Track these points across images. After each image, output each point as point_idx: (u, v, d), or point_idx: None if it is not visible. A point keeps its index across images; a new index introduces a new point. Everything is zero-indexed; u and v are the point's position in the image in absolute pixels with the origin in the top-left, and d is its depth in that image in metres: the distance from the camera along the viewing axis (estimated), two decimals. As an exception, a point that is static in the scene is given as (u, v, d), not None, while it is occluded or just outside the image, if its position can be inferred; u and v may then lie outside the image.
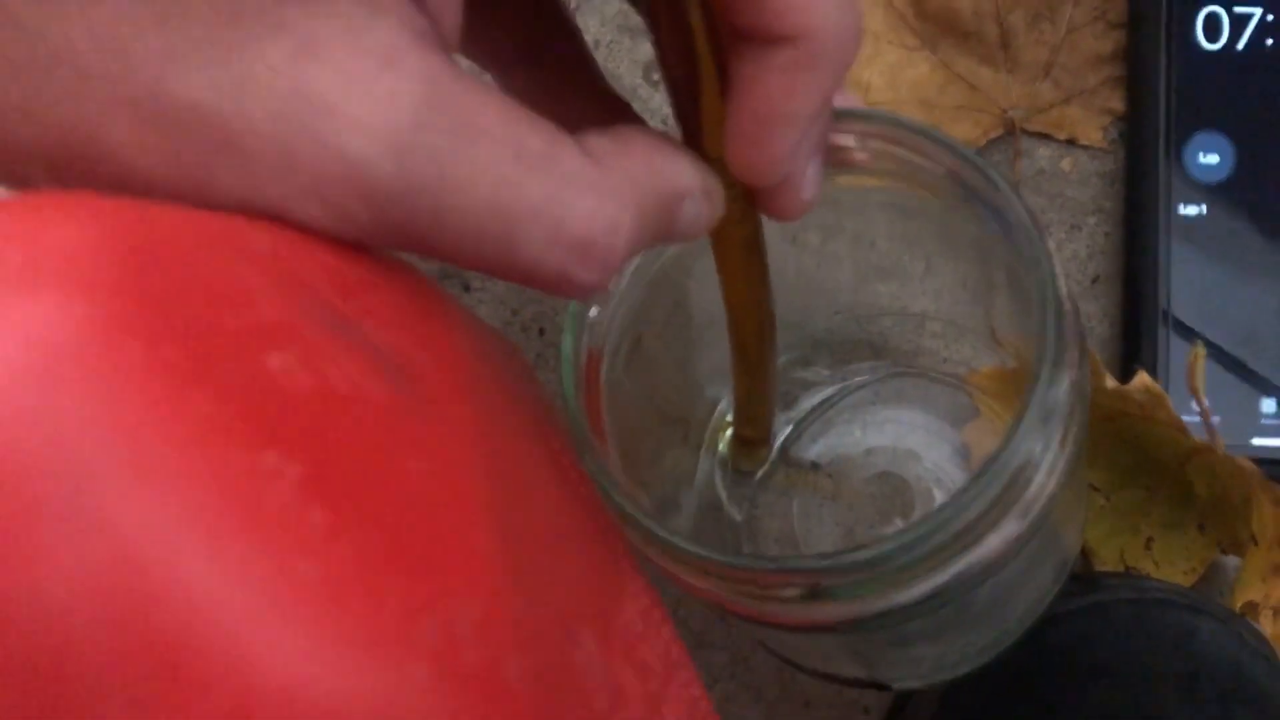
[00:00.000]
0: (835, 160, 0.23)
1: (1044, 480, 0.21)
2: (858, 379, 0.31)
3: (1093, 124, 0.33)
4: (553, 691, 0.12)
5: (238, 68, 0.14)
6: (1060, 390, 0.20)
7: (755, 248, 0.22)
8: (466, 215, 0.15)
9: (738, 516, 0.31)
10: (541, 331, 0.34)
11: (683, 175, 0.18)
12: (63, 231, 0.11)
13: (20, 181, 0.15)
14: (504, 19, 0.21)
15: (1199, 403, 0.27)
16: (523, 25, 0.21)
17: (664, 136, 0.18)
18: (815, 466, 0.31)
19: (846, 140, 0.23)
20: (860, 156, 0.23)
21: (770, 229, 0.22)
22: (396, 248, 0.16)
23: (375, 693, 0.10)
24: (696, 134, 0.19)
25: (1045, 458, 0.21)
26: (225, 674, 0.09)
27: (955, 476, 0.30)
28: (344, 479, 0.11)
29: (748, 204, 0.20)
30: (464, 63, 0.23)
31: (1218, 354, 0.31)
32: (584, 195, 0.16)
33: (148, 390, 0.10)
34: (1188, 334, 0.31)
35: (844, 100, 0.24)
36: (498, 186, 0.15)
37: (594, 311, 0.23)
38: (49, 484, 0.09)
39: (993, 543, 0.21)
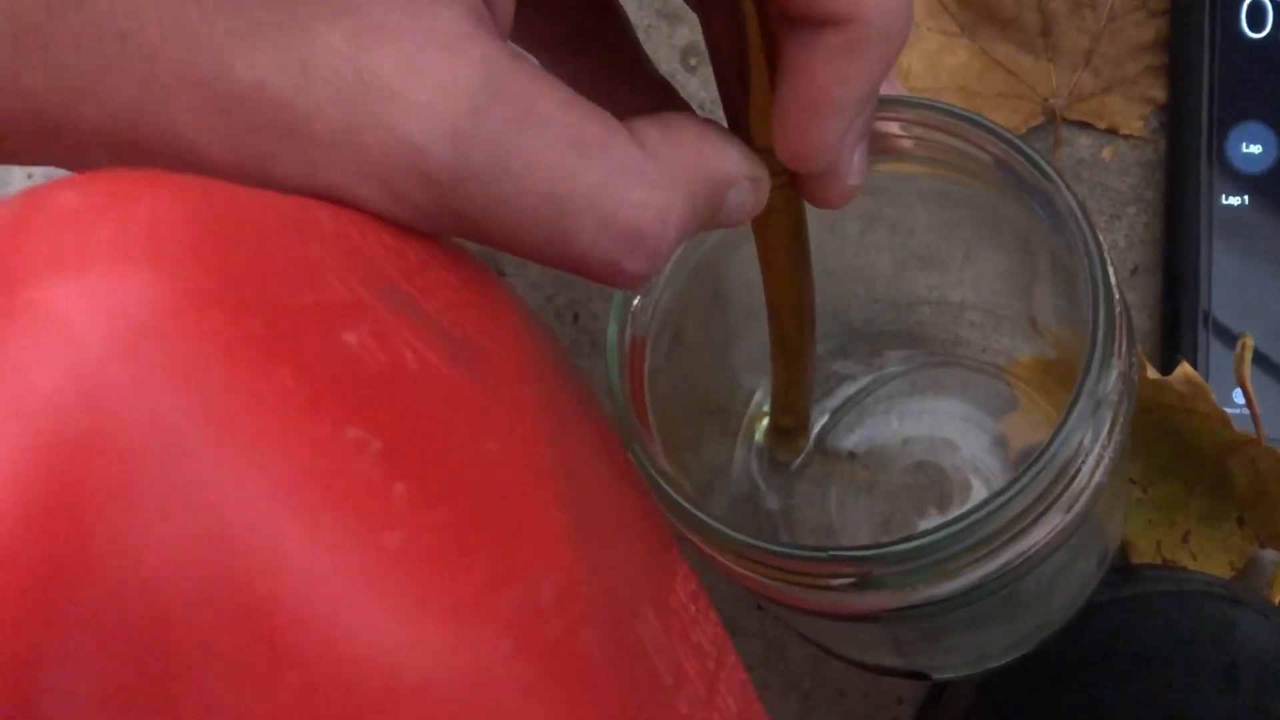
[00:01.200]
0: (880, 148, 0.23)
1: (1091, 471, 0.21)
2: (895, 368, 0.31)
3: (1134, 113, 0.33)
4: (627, 665, 0.12)
5: (301, 50, 0.14)
6: (1110, 380, 0.20)
7: (799, 236, 0.22)
8: (521, 203, 0.15)
9: (774, 506, 0.31)
10: (576, 317, 0.34)
11: (731, 163, 0.18)
12: (146, 208, 0.11)
13: (83, 164, 0.15)
14: (553, 5, 0.21)
15: (1245, 393, 0.27)
16: (571, 11, 0.21)
17: (711, 124, 0.18)
18: (852, 456, 0.31)
19: (891, 127, 0.23)
20: (905, 144, 0.23)
21: (809, 217, 0.22)
22: (452, 233, 0.16)
23: (461, 661, 0.10)
24: (744, 121, 0.19)
25: (1093, 449, 0.21)
26: (318, 643, 0.09)
27: (993, 467, 0.30)
28: (422, 454, 0.11)
29: (792, 191, 0.20)
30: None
31: (1257, 346, 0.31)
32: (636, 185, 0.16)
33: (236, 364, 0.10)
34: (1228, 326, 0.31)
35: (889, 87, 0.24)
36: (553, 175, 0.15)
37: (637, 300, 0.23)
38: (145, 459, 0.09)
39: (1040, 533, 0.21)
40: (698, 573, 0.20)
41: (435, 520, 0.10)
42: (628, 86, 0.22)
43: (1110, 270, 0.21)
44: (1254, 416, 0.28)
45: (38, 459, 0.09)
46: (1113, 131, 0.33)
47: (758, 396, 0.30)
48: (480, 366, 0.14)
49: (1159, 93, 0.33)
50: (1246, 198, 0.31)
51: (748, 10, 0.17)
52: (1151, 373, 0.28)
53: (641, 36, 0.34)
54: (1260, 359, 0.31)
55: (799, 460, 0.31)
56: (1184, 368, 0.27)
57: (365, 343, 0.12)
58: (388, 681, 0.09)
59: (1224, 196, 0.31)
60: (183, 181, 0.12)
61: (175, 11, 0.14)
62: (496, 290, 0.17)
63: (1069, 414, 0.20)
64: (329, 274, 0.12)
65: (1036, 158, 0.21)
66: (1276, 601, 0.29)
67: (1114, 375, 0.20)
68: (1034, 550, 0.21)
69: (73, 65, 0.14)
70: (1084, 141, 0.33)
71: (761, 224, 0.21)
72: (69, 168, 0.15)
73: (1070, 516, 0.21)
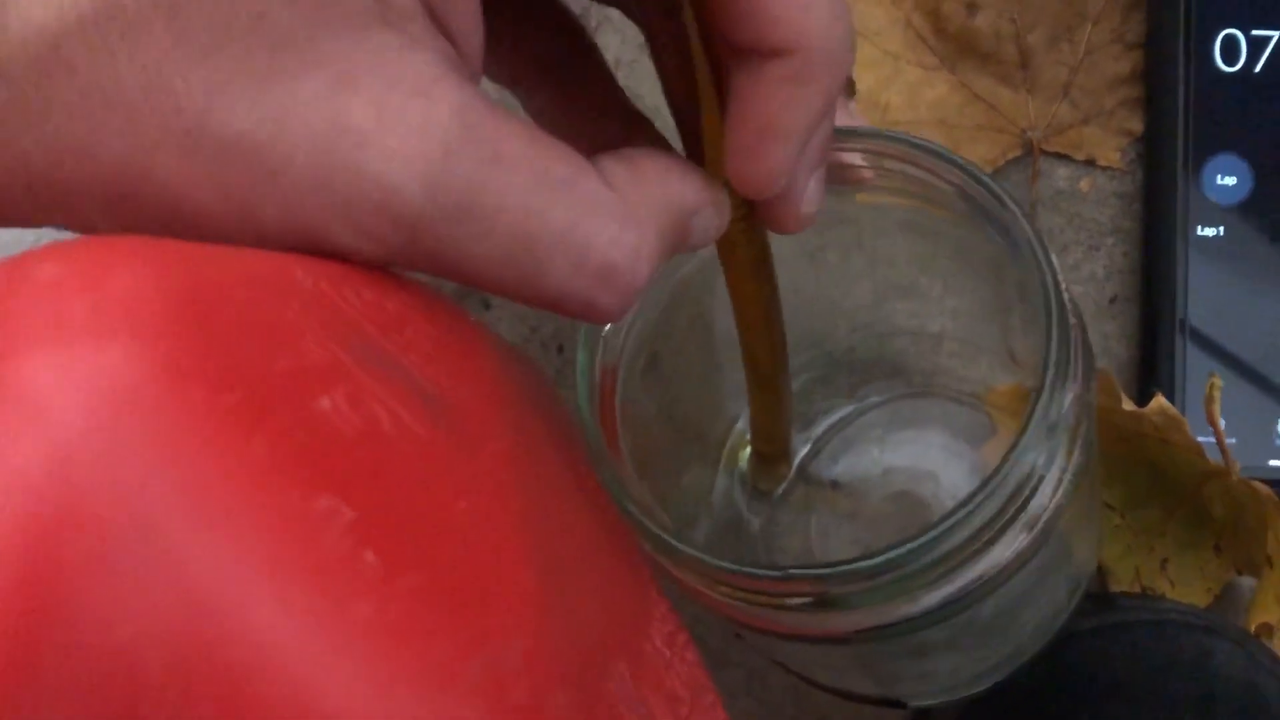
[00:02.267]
0: (848, 178, 0.24)
1: (1050, 492, 0.21)
2: (875, 398, 0.31)
3: (1111, 145, 0.33)
4: (594, 726, 0.12)
5: (278, 100, 0.15)
6: (1065, 402, 0.21)
7: (763, 269, 0.22)
8: (493, 242, 0.16)
9: (756, 534, 0.31)
10: (560, 349, 0.34)
11: (694, 192, 0.19)
12: (121, 280, 0.11)
13: (80, 221, 0.15)
14: (523, 41, 0.22)
15: (1215, 431, 0.27)
16: (542, 46, 0.22)
17: (673, 155, 0.19)
18: (834, 485, 0.31)
19: (854, 158, 0.23)
20: (870, 174, 0.24)
21: (790, 248, 0.23)
22: (427, 271, 0.16)
23: (430, 731, 0.10)
24: (699, 153, 0.19)
25: (1051, 469, 0.21)
26: (289, 712, 0.09)
27: (972, 496, 0.30)
28: (393, 520, 0.11)
29: (752, 225, 0.21)
30: (492, 90, 0.23)
31: (1235, 376, 0.31)
32: (607, 223, 0.16)
33: (211, 437, 0.10)
34: (1205, 356, 0.31)
35: (852, 120, 0.24)
36: (524, 215, 0.16)
37: (608, 327, 0.23)
38: (118, 531, 0.09)
39: (999, 554, 0.21)
40: (677, 606, 0.21)
41: (405, 587, 0.11)
42: (601, 118, 0.22)
43: (1064, 291, 0.21)
44: (1223, 451, 0.28)
45: (14, 534, 0.09)
46: (1090, 163, 0.33)
47: (740, 424, 0.31)
48: (457, 422, 0.14)
49: (1136, 124, 0.33)
50: (1222, 229, 0.32)
51: (694, 44, 0.18)
52: (1127, 404, 0.28)
53: (625, 71, 0.34)
54: (1238, 385, 0.31)
55: (781, 489, 0.31)
56: (1158, 399, 0.28)
57: (339, 407, 0.12)
58: (356, 751, 0.10)
59: (1200, 227, 0.32)
60: (160, 248, 0.12)
61: (155, 69, 0.14)
62: (471, 336, 0.17)
63: (1021, 435, 0.20)
64: (305, 337, 0.12)
65: (988, 181, 0.22)
66: (1252, 630, 0.29)
67: (1069, 397, 0.21)
68: (995, 571, 0.21)
69: (60, 127, 0.14)
70: (1062, 173, 0.33)
71: (727, 258, 0.21)
72: (68, 228, 0.16)
73: (1032, 536, 0.21)
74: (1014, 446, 0.20)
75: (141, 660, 0.09)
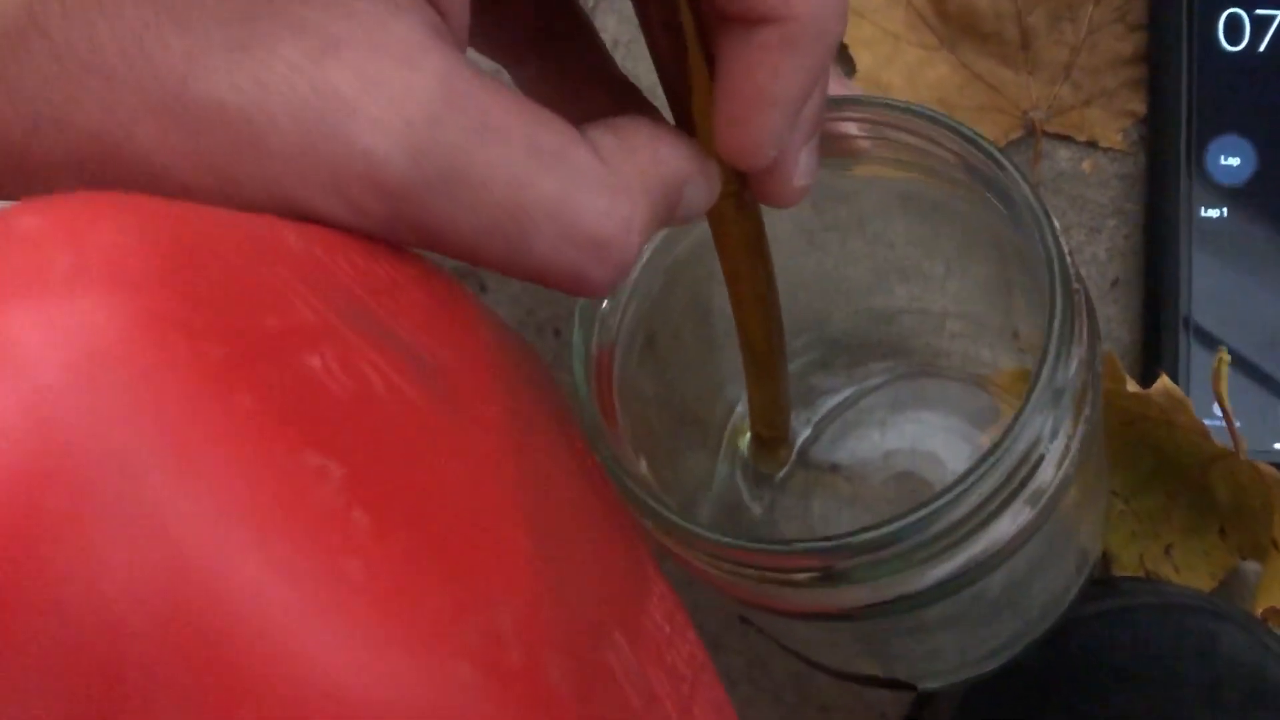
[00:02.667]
0: (845, 149, 0.23)
1: (1057, 463, 0.21)
2: (876, 380, 0.31)
3: (1113, 126, 0.33)
4: (591, 691, 0.12)
5: (258, 68, 0.14)
6: (1071, 368, 0.20)
7: (757, 247, 0.22)
8: (480, 213, 0.15)
9: (757, 518, 0.30)
10: (557, 332, 0.34)
11: (684, 161, 0.18)
12: (104, 232, 0.11)
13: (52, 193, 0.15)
14: (512, 10, 0.21)
15: (1223, 408, 0.27)
16: (531, 16, 0.22)
17: (662, 123, 0.19)
18: (835, 468, 0.31)
19: (848, 128, 0.23)
20: (867, 144, 0.23)
21: (787, 226, 0.22)
22: (412, 244, 0.16)
23: (421, 693, 0.10)
24: (690, 125, 0.19)
25: (1057, 439, 0.20)
26: (275, 673, 0.09)
27: (975, 479, 0.30)
28: (385, 480, 0.11)
29: (746, 202, 0.20)
30: (482, 61, 0.23)
31: (1238, 358, 0.31)
32: (597, 194, 0.16)
33: (194, 390, 0.10)
34: (1208, 338, 0.31)
35: (841, 88, 0.24)
36: (511, 185, 0.15)
37: (605, 304, 0.23)
38: (99, 484, 0.09)
39: (1003, 527, 0.21)
40: (678, 592, 0.20)
41: (396, 548, 0.10)
42: (591, 87, 0.22)
43: (1068, 257, 0.21)
44: (1231, 431, 0.28)
45: (-10, 488, 0.09)
46: (1092, 144, 0.33)
47: (740, 409, 0.30)
48: (447, 388, 0.14)
49: (1138, 105, 0.33)
50: (1226, 210, 0.31)
51: (685, 14, 0.17)
52: (1131, 386, 0.28)
53: (622, 51, 0.34)
54: (1242, 368, 0.31)
55: (782, 472, 0.31)
56: (1163, 381, 0.27)
57: (329, 366, 0.11)
58: (344, 711, 0.09)
59: (1203, 209, 0.31)
60: (147, 204, 0.12)
61: (134, 37, 0.14)
62: (466, 307, 0.17)
63: (1027, 400, 0.20)
64: (294, 296, 0.12)
65: (986, 145, 0.21)
66: (1258, 614, 0.29)
67: (1074, 363, 0.20)
68: (999, 546, 0.21)
69: (36, 95, 0.14)
70: (1064, 154, 0.33)
71: (720, 236, 0.21)
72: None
73: (1037, 509, 0.21)
74: (1020, 412, 0.19)
75: (123, 619, 0.09)
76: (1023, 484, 0.20)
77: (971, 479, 0.19)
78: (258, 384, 0.10)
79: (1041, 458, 0.20)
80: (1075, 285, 0.20)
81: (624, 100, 0.21)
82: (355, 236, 0.15)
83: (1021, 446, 0.20)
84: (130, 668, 0.09)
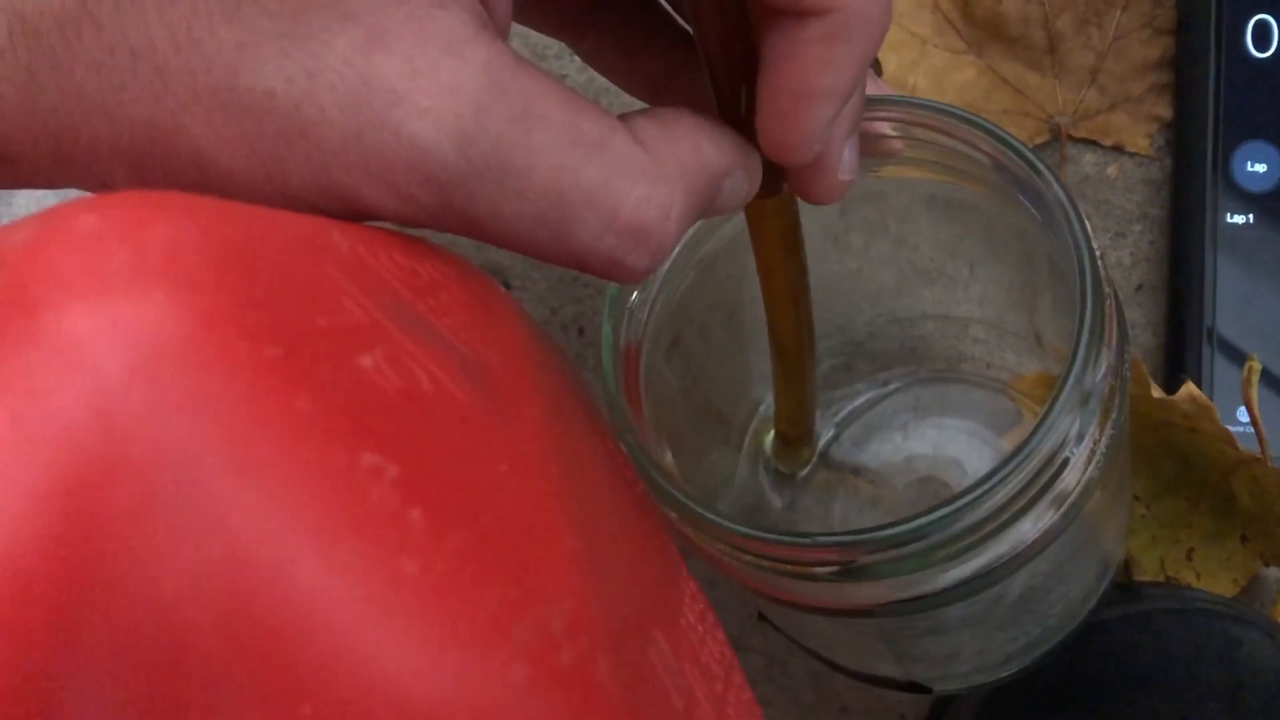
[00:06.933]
0: (877, 149, 0.23)
1: (1083, 465, 0.21)
2: (899, 384, 0.31)
3: (1139, 131, 0.33)
4: (640, 690, 0.12)
5: (308, 58, 0.14)
6: (1099, 371, 0.20)
7: (793, 242, 0.22)
8: (524, 201, 0.15)
9: (778, 518, 0.31)
10: (581, 331, 0.34)
11: (726, 154, 0.18)
12: (165, 231, 0.11)
13: (100, 183, 0.15)
14: None
15: (1251, 414, 0.27)
16: None
17: (706, 115, 0.19)
18: (856, 471, 0.31)
19: (882, 127, 0.23)
20: (899, 144, 0.23)
21: (813, 228, 0.22)
22: (457, 232, 0.16)
23: (480, 693, 0.10)
24: (735, 118, 0.19)
25: (1084, 441, 0.20)
26: (335, 671, 0.09)
27: (997, 483, 0.30)
28: (437, 479, 0.11)
29: (785, 196, 0.20)
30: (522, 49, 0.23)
31: (1262, 362, 0.31)
32: (637, 182, 0.16)
33: (253, 389, 0.10)
34: (1232, 344, 0.31)
35: (875, 88, 0.24)
36: (555, 173, 0.15)
37: (634, 297, 0.23)
38: (162, 484, 0.09)
39: (1026, 530, 0.21)
40: (704, 590, 0.20)
41: (451, 547, 0.10)
42: (650, 52, 0.22)
43: (1099, 260, 0.21)
44: (1259, 437, 0.28)
45: (55, 484, 0.09)
46: (1118, 149, 0.33)
47: (763, 408, 0.30)
48: (492, 387, 0.14)
49: (1165, 111, 0.33)
50: (1251, 216, 0.31)
51: (732, 4, 0.17)
52: (1156, 391, 0.28)
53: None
54: (1265, 376, 0.31)
55: (804, 473, 0.31)
56: (1188, 386, 0.27)
57: (380, 366, 0.12)
58: (403, 710, 0.09)
59: (1229, 214, 0.31)
60: (200, 204, 0.12)
61: (185, 27, 0.14)
62: (505, 307, 0.17)
63: (1054, 402, 0.20)
64: (343, 296, 0.12)
65: (1024, 151, 0.21)
66: (1279, 620, 0.29)
67: (1103, 366, 0.20)
68: (1022, 546, 0.21)
69: (88, 84, 0.14)
70: (1089, 159, 0.33)
71: (756, 230, 0.21)
72: (86, 188, 0.15)
73: (1062, 511, 0.21)
74: (1047, 413, 0.19)
75: (186, 617, 0.09)
76: (1047, 486, 0.20)
77: (996, 479, 0.19)
78: (314, 384, 0.10)
79: (1067, 461, 0.20)
80: (1106, 289, 0.20)
81: (689, 57, 0.21)
82: (397, 235, 0.15)
83: (1047, 448, 0.20)
84: (191, 663, 0.09)
